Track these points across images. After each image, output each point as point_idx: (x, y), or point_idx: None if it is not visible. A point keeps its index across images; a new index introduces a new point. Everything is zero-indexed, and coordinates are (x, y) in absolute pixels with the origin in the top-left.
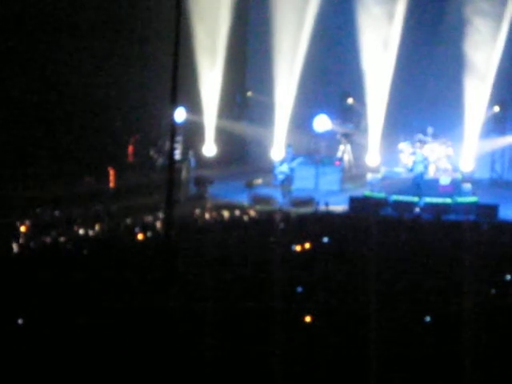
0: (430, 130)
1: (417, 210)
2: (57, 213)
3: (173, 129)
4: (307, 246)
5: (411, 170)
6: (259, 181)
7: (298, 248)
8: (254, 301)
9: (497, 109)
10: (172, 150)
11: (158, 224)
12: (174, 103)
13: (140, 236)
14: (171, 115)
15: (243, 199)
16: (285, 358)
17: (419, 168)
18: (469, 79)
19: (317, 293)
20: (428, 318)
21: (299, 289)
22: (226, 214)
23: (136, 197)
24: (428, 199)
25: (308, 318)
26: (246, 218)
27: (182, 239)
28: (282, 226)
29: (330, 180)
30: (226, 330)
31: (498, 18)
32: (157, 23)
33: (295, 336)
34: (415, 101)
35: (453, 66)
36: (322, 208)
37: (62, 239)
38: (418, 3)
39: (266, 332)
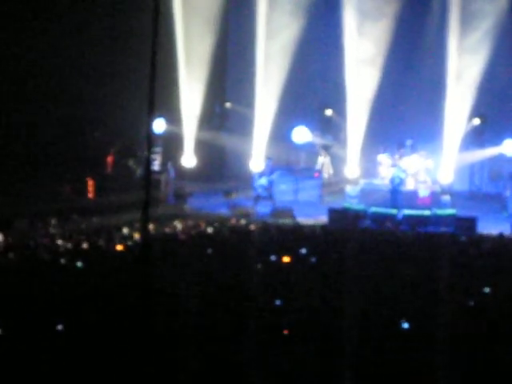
0: (408, 142)
1: (395, 221)
2: (35, 223)
3: (150, 139)
4: (286, 258)
5: (390, 181)
6: (238, 193)
7: (276, 260)
8: (230, 314)
9: (477, 121)
10: (149, 160)
11: (137, 235)
12: (152, 113)
13: (119, 247)
14: (149, 125)
15: (222, 211)
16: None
17: (398, 180)
18: (448, 92)
19: (295, 306)
20: (406, 325)
21: (277, 302)
22: (204, 225)
23: (116, 207)
24: (407, 211)
25: (285, 332)
26: (224, 229)
27: (159, 251)
28: (260, 237)
29: (309, 192)
30: (203, 345)
31: (479, 31)
32: (138, 34)
33: (271, 348)
34: (395, 113)
35: (433, 79)
36: (301, 220)
37: (40, 250)
38: (399, 16)
39: (242, 345)
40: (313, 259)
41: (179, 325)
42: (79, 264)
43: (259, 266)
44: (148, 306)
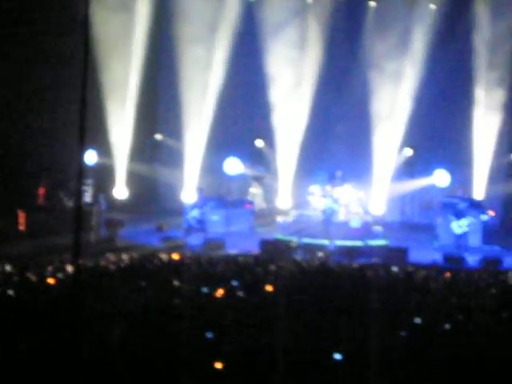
0: (339, 173)
1: (327, 252)
2: None
3: (81, 171)
4: (218, 289)
5: (322, 212)
6: (170, 224)
7: (207, 291)
8: (160, 348)
9: (408, 152)
10: (79, 192)
11: (68, 268)
12: (82, 145)
13: (50, 280)
14: (80, 157)
15: (154, 242)
16: None
17: (330, 211)
18: (379, 123)
19: (225, 338)
20: (338, 356)
21: (209, 335)
22: (135, 257)
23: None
24: (339, 242)
25: (217, 365)
26: (156, 261)
27: (90, 283)
28: (192, 269)
29: (241, 223)
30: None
31: (408, 62)
32: (68, 66)
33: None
34: (326, 144)
35: (362, 110)
36: (233, 251)
37: None
38: (328, 47)
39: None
40: (244, 291)
41: (104, 361)
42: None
43: (190, 298)
44: (76, 337)
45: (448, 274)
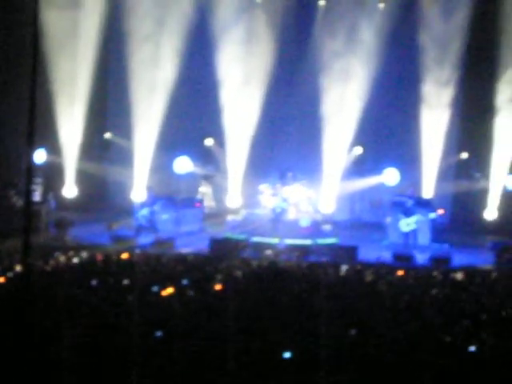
0: (289, 174)
1: (277, 251)
2: None
3: (30, 170)
4: (168, 289)
5: (272, 211)
6: (120, 223)
7: (156, 291)
8: (109, 347)
9: (358, 151)
10: (29, 191)
11: (17, 267)
12: (32, 144)
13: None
14: (29, 156)
15: (104, 241)
16: None
17: (279, 209)
18: (329, 121)
19: (175, 337)
20: (287, 355)
21: (158, 333)
22: (84, 256)
23: None
24: (288, 241)
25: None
26: (106, 260)
27: (39, 282)
28: (141, 268)
29: (190, 222)
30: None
31: (356, 61)
32: (14, 63)
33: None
34: (275, 143)
35: (313, 108)
36: (183, 250)
37: None
38: (277, 46)
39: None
40: (193, 290)
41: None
42: None
43: (140, 297)
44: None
45: (398, 273)
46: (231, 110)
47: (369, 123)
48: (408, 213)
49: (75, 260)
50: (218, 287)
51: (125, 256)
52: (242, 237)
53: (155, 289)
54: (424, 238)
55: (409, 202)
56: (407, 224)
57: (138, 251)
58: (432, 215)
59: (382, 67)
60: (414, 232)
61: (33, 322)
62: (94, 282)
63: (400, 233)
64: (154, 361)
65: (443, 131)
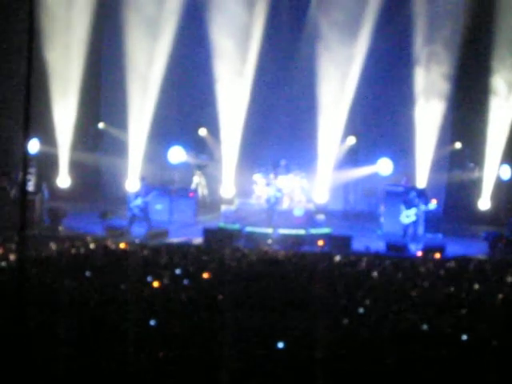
0: (283, 162)
1: (270, 241)
2: None
3: (25, 160)
4: (159, 279)
5: (266, 201)
6: (114, 213)
7: (150, 280)
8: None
9: (351, 141)
10: (24, 181)
11: (12, 256)
12: (27, 134)
13: None
14: (23, 146)
15: (97, 231)
16: None
17: (273, 199)
18: (322, 111)
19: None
20: (280, 345)
21: (152, 322)
22: (78, 246)
23: None
24: (282, 231)
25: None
26: (100, 250)
27: (34, 272)
28: (135, 258)
29: (184, 212)
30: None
31: (351, 51)
32: (11, 53)
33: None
34: (269, 132)
35: (305, 98)
36: (177, 240)
37: None
38: (272, 35)
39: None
40: (187, 280)
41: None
42: None
43: (134, 286)
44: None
45: (390, 263)
46: (225, 100)
47: (362, 113)
48: (408, 204)
49: (69, 250)
50: (209, 276)
51: (119, 246)
52: (235, 227)
53: (149, 278)
54: (418, 229)
55: (410, 193)
56: (407, 216)
57: (131, 241)
58: (431, 206)
59: (376, 57)
60: (414, 224)
61: (26, 312)
62: (87, 272)
63: (394, 222)
64: (148, 348)
65: (437, 121)
